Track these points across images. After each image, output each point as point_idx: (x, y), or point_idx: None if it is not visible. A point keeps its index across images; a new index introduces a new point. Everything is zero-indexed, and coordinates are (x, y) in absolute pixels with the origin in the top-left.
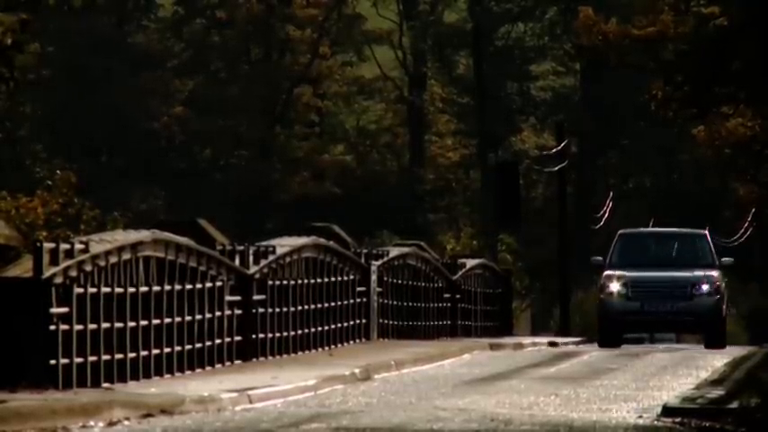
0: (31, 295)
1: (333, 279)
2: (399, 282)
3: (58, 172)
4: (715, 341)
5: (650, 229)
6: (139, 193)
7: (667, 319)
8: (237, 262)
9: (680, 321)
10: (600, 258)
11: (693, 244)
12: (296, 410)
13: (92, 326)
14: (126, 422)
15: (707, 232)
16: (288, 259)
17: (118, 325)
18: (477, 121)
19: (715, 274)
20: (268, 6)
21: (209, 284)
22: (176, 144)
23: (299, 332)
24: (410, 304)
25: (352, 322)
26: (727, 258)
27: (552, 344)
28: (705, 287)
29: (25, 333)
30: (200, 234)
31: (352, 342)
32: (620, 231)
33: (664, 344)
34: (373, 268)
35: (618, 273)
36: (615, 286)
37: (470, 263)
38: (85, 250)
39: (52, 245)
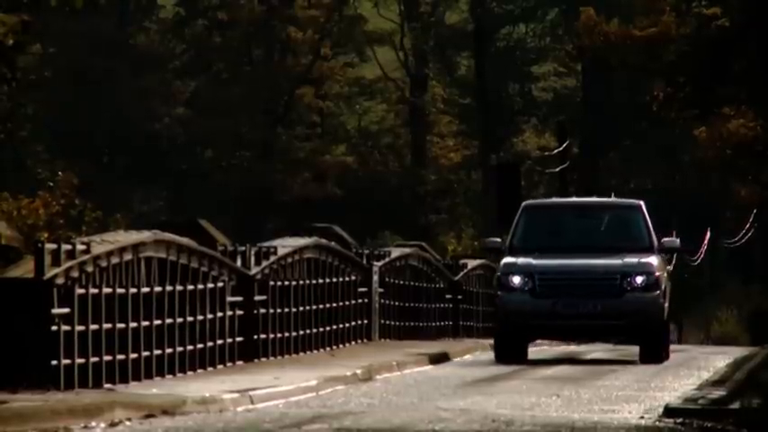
0: (33, 296)
1: (334, 280)
2: (401, 282)
3: (59, 173)
4: (653, 352)
5: (565, 199)
6: (141, 194)
7: (589, 324)
8: (239, 263)
9: (606, 326)
10: (497, 240)
11: (624, 220)
12: (298, 411)
13: (93, 326)
14: (127, 423)
15: (642, 203)
16: (289, 260)
17: (119, 326)
18: (478, 122)
19: (654, 261)
20: (269, 7)
21: (210, 285)
22: (178, 145)
23: (301, 333)
24: (411, 305)
25: (353, 323)
26: (669, 239)
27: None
28: (640, 279)
29: (27, 334)
30: (202, 235)
31: (353, 343)
32: (525, 203)
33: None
34: (375, 269)
35: (521, 260)
36: (517, 279)
37: (472, 263)
38: (87, 251)
39: (54, 246)
